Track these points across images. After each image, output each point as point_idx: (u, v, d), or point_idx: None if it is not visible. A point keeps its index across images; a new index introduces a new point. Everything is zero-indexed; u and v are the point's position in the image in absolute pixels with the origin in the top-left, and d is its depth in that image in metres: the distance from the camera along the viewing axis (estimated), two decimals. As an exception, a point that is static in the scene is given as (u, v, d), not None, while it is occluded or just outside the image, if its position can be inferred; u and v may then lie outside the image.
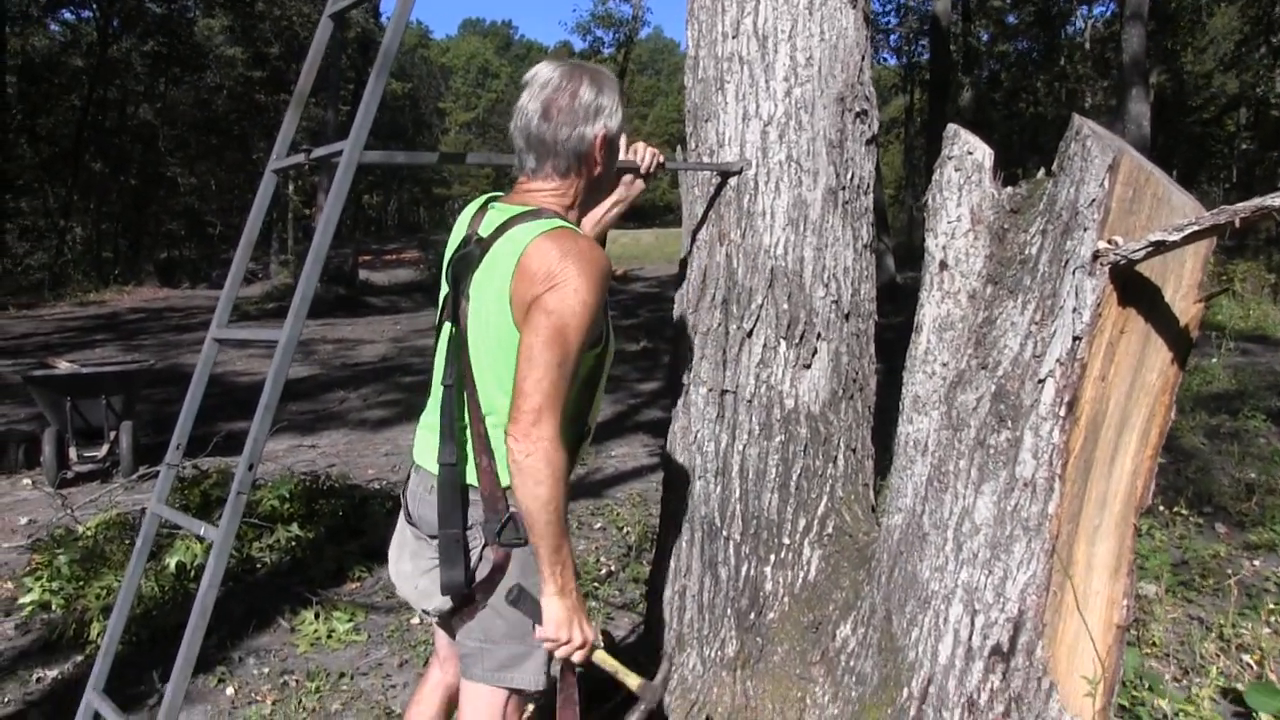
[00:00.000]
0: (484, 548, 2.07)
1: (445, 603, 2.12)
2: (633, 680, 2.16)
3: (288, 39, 36.15)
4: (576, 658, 2.06)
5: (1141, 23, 18.62)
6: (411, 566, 2.24)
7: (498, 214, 2.10)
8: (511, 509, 2.04)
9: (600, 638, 2.16)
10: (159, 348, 14.58)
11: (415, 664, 3.99)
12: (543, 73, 2.10)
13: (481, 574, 2.07)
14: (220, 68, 37.53)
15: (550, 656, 2.08)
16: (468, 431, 2.08)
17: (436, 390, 2.17)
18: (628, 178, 2.64)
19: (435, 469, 2.10)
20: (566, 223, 2.06)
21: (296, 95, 2.72)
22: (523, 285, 1.94)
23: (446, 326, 2.14)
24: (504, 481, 2.04)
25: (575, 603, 2.02)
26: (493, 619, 2.08)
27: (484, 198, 2.25)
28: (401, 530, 2.30)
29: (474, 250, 2.07)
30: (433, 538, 2.12)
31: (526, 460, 1.90)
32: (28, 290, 24.10)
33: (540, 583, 2.00)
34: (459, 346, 2.09)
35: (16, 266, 28.53)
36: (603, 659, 2.15)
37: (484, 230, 2.09)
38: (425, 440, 2.19)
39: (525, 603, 2.04)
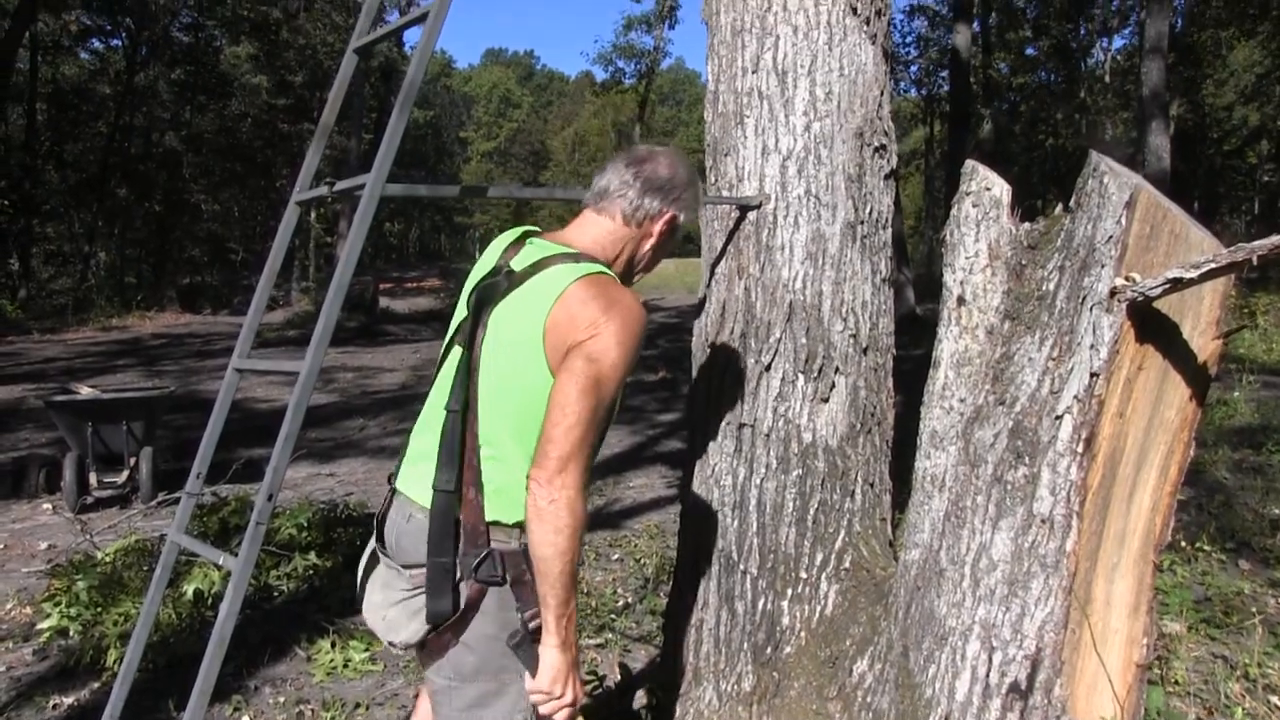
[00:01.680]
0: (459, 582, 2.00)
1: (413, 635, 2.05)
2: None
3: (311, 67, 36.60)
4: (561, 716, 2.00)
5: (1161, 56, 18.65)
6: (381, 597, 2.15)
7: (535, 250, 2.07)
8: (494, 545, 1.98)
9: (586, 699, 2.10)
10: (180, 373, 14.68)
11: (430, 694, 3.98)
12: (657, 145, 2.23)
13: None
14: (245, 96, 38.01)
15: (523, 695, 2.01)
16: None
17: (431, 415, 2.12)
18: None
19: (422, 497, 2.03)
20: (607, 269, 2.05)
21: (320, 128, 2.75)
22: (561, 329, 1.91)
23: (457, 351, 2.10)
24: (489, 516, 1.98)
25: (574, 658, 1.97)
26: (464, 655, 2.01)
27: (520, 230, 2.22)
28: (372, 559, 2.22)
29: (501, 281, 2.05)
30: (407, 568, 2.05)
31: (550, 507, 1.86)
32: (51, 315, 24.30)
33: (543, 633, 1.95)
34: (468, 373, 2.04)
35: (41, 291, 28.79)
36: None
37: (516, 264, 2.06)
38: (414, 467, 2.12)
39: (525, 648, 1.97)
